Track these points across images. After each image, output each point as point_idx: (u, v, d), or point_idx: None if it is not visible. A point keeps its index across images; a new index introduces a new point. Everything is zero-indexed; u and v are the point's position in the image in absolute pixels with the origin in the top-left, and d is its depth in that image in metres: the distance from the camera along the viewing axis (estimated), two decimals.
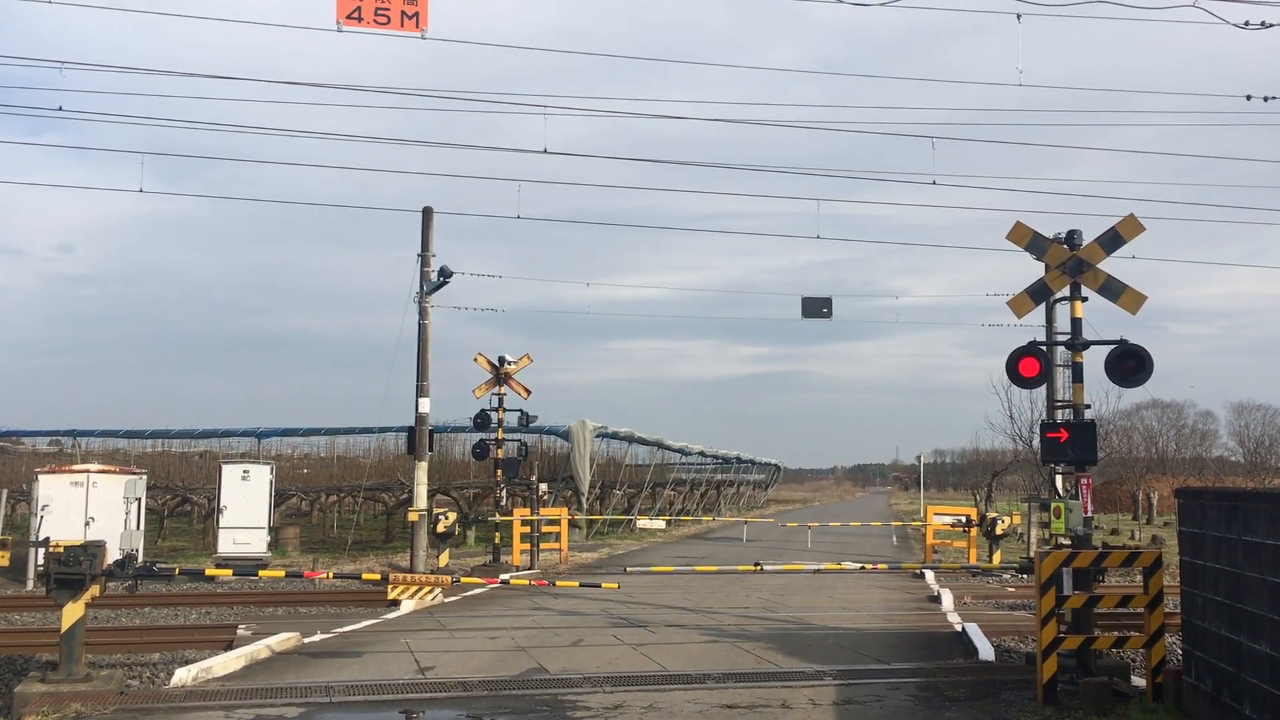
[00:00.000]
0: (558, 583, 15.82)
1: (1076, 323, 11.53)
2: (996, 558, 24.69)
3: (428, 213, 24.28)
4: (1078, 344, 11.47)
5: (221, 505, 24.77)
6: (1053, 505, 11.22)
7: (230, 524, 24.47)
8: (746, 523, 42.46)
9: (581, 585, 16.12)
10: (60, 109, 17.47)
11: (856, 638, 13.90)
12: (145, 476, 25.69)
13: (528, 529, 25.34)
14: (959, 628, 14.41)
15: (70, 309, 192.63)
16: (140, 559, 19.02)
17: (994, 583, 21.71)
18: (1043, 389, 21.75)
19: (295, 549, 29.31)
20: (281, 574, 14.50)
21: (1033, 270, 12.05)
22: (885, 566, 20.90)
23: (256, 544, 24.42)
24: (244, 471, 25.11)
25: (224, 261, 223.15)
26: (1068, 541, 11.04)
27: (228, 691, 10.27)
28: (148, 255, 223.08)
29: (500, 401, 25.81)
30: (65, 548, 10.15)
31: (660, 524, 39.26)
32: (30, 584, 20.76)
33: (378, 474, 37.32)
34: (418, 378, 23.86)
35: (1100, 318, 11.64)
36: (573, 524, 32.54)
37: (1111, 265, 11.48)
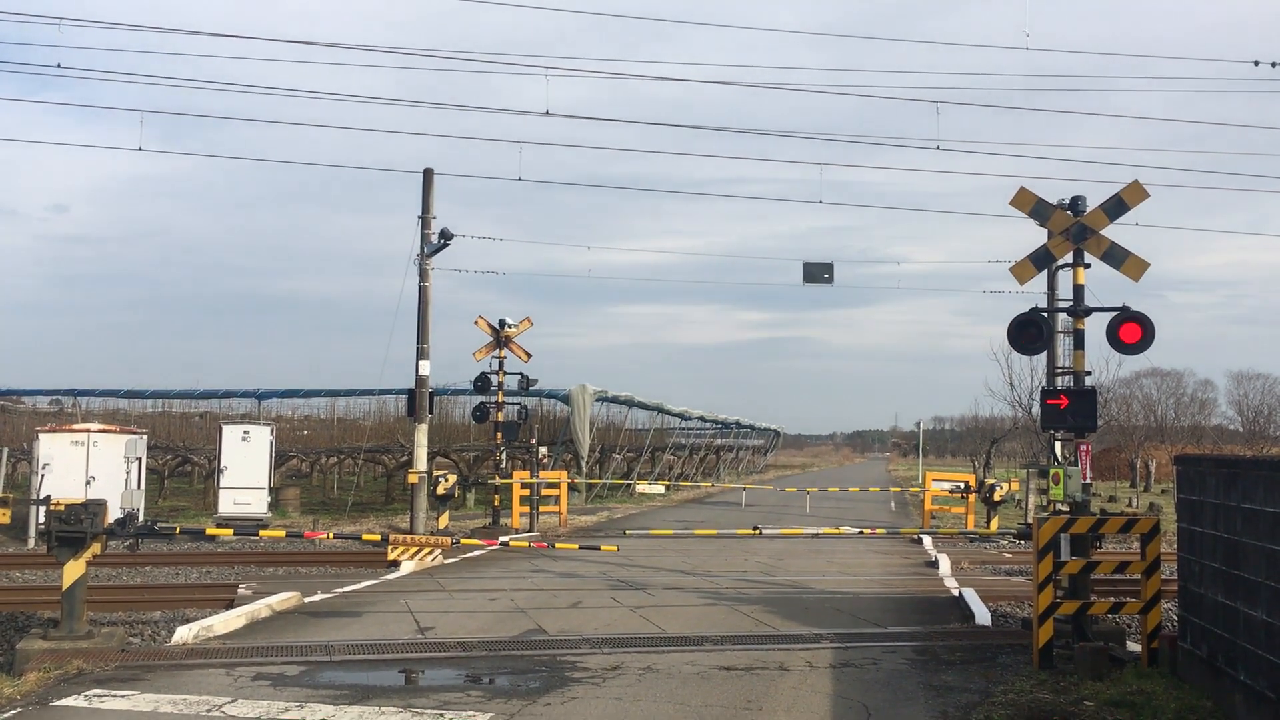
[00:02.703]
0: (557, 545, 15.86)
1: (1079, 289, 11.49)
2: (994, 524, 24.79)
3: (428, 174, 24.15)
4: (1079, 310, 11.44)
5: (222, 466, 24.83)
6: (1051, 472, 11.24)
7: (230, 484, 24.55)
8: (745, 488, 42.62)
9: (581, 548, 16.20)
10: (59, 66, 17.35)
11: (854, 602, 13.98)
12: (146, 436, 25.76)
13: (527, 492, 25.42)
14: (956, 592, 14.49)
15: (67, 269, 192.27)
16: (141, 518, 19.11)
17: (991, 548, 21.81)
18: (1043, 356, 21.72)
19: (295, 510, 29.42)
20: (282, 534, 14.54)
21: (1036, 237, 12.02)
22: (883, 531, 21.04)
23: (257, 504, 24.51)
24: (244, 432, 25.16)
25: (223, 222, 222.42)
26: (1066, 508, 11.07)
27: (229, 649, 10.34)
28: (145, 216, 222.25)
29: (501, 364, 25.81)
30: (66, 506, 10.17)
31: (659, 488, 39.41)
32: (32, 542, 20.87)
33: (378, 436, 37.41)
34: (418, 340, 23.83)
35: (1101, 285, 11.61)
36: (572, 487, 32.65)
37: (1115, 232, 11.44)
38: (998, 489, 25.09)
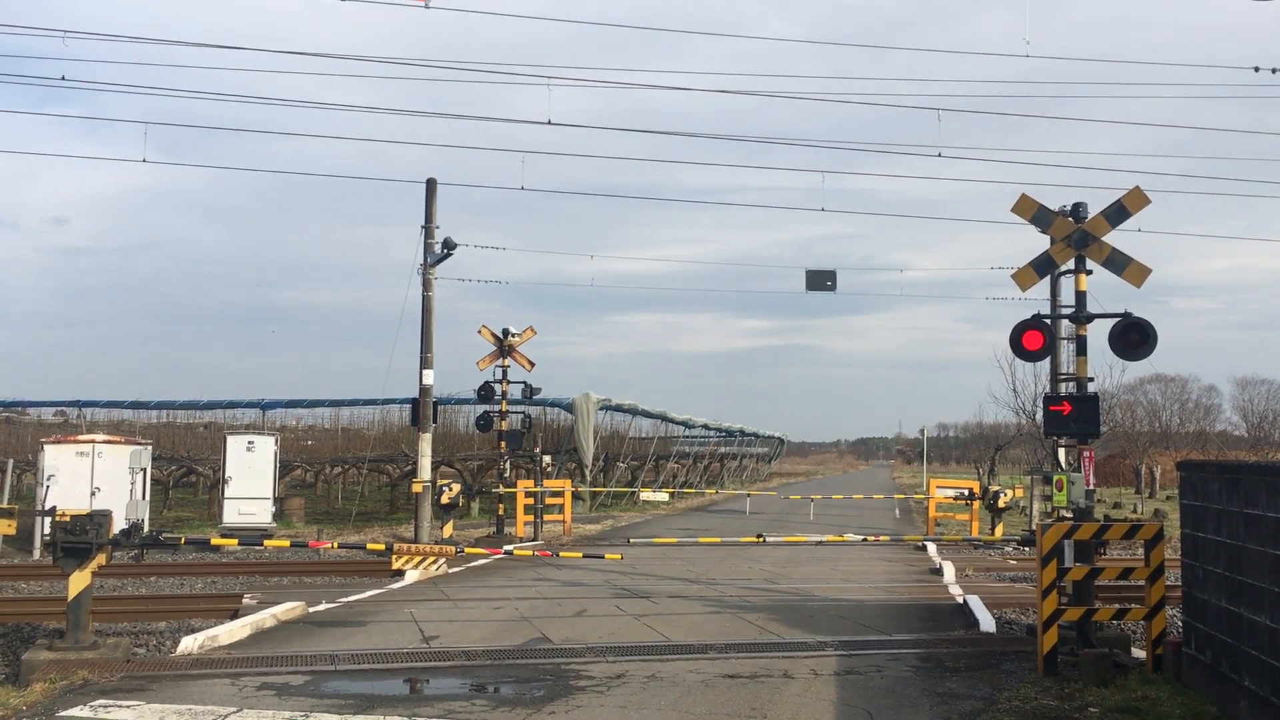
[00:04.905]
0: (561, 554, 15.87)
1: (1081, 296, 11.51)
2: (998, 530, 24.77)
3: (431, 184, 24.20)
4: (1082, 317, 11.45)
5: (226, 476, 24.86)
6: (1055, 478, 11.24)
7: (235, 495, 24.58)
8: (750, 495, 42.57)
9: (585, 556, 16.18)
10: (63, 78, 17.38)
11: (858, 609, 13.97)
12: (150, 447, 25.79)
13: (531, 500, 25.42)
14: (960, 599, 14.48)
15: (72, 281, 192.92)
16: (146, 529, 19.10)
17: (996, 555, 21.79)
18: (1046, 362, 21.73)
19: (300, 520, 29.42)
20: (286, 544, 14.53)
21: (1038, 244, 12.01)
22: (887, 539, 20.98)
23: (261, 515, 24.54)
24: (249, 443, 25.20)
25: (227, 233, 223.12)
26: (1070, 514, 11.07)
27: (234, 659, 10.35)
28: (147, 228, 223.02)
29: (504, 373, 25.84)
30: (71, 517, 10.20)
31: (663, 496, 39.34)
32: (37, 553, 20.89)
33: (382, 445, 37.44)
34: (422, 350, 23.85)
35: (1104, 291, 11.63)
36: (576, 496, 32.64)
37: (1116, 238, 11.46)
38: (1002, 495, 25.06)
